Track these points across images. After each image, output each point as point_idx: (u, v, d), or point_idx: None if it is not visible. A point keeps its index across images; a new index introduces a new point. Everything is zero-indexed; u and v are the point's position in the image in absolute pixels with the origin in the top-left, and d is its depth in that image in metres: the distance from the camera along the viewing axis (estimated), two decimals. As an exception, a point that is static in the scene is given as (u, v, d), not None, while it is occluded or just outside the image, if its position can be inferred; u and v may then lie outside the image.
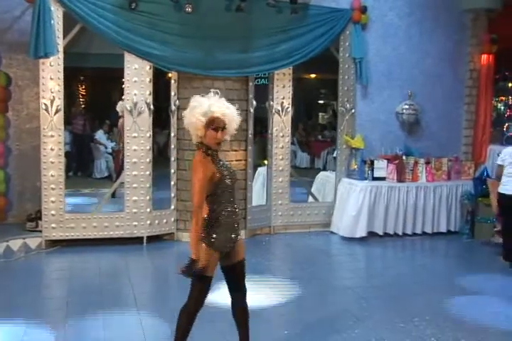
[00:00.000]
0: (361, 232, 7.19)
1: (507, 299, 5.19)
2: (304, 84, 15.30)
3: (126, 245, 6.67)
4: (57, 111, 6.40)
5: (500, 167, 6.34)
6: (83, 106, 14.94)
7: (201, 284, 3.34)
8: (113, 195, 7.61)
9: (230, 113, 3.30)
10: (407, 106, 7.83)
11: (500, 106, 9.31)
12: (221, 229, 3.32)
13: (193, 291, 3.36)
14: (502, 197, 6.27)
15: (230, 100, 7.56)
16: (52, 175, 6.45)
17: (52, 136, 6.42)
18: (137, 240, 6.79)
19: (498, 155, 6.53)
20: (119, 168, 8.60)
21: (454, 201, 7.66)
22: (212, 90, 3.42)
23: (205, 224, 3.31)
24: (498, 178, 6.38)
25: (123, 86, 6.75)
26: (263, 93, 7.56)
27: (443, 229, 7.62)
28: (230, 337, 3.86)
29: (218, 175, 3.27)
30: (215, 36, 6.76)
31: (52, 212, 6.49)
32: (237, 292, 3.51)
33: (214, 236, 3.30)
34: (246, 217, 7.19)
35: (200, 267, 3.23)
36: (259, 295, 4.97)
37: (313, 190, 8.36)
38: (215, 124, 3.24)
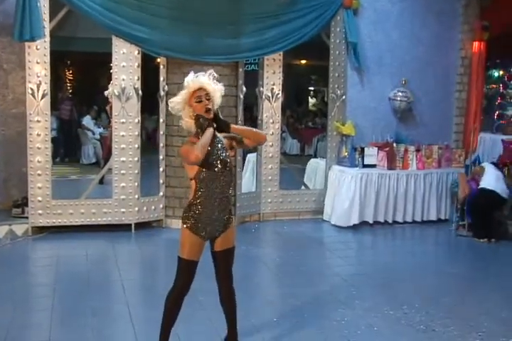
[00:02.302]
0: (352, 220, 7.20)
1: (496, 283, 5.24)
2: (295, 71, 15.25)
3: (114, 232, 6.64)
4: (43, 96, 6.32)
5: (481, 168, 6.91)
6: (70, 91, 14.81)
7: (186, 268, 3.33)
8: (101, 182, 7.56)
9: (208, 83, 3.26)
10: (400, 93, 7.80)
11: (491, 94, 9.34)
12: (201, 213, 3.30)
13: (178, 276, 3.36)
14: (484, 192, 6.73)
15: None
16: (38, 161, 6.38)
17: (38, 122, 6.34)
18: (125, 227, 6.76)
19: None
20: (107, 154, 8.54)
21: (444, 189, 7.69)
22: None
23: (187, 206, 3.34)
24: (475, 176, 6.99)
25: (111, 71, 6.67)
26: (253, 79, 7.51)
27: (433, 217, 7.65)
28: (217, 324, 3.86)
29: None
30: (205, 21, 6.68)
31: (39, 198, 6.43)
32: (224, 279, 3.49)
33: (192, 220, 3.30)
34: (235, 204, 7.17)
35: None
36: (248, 282, 4.97)
37: (304, 178, 8.35)
38: (195, 95, 3.23)
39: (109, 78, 6.70)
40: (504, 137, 8.14)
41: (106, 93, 7.29)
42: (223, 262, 3.46)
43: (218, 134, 3.36)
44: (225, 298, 3.53)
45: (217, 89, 3.30)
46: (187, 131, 3.43)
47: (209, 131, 3.21)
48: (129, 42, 6.55)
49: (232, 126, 3.33)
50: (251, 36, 6.99)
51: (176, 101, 3.28)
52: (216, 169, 3.29)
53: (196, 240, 3.32)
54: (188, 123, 3.31)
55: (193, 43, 6.70)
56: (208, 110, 3.23)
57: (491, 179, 6.85)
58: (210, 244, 3.43)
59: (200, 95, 3.23)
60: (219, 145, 3.34)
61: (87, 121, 12.28)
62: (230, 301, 3.53)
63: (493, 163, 7.21)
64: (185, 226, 3.33)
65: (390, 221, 7.46)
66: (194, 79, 3.26)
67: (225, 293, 3.51)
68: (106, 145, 9.81)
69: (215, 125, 3.27)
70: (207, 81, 3.27)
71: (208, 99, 3.24)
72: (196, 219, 3.31)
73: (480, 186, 6.91)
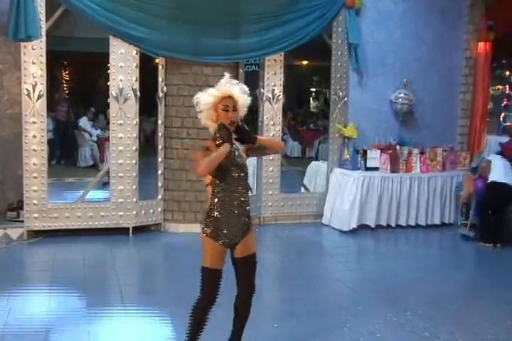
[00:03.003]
0: (354, 224, 7.19)
1: (501, 289, 5.24)
2: (296, 71, 15.27)
3: (111, 236, 6.63)
4: (39, 97, 6.33)
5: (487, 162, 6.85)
6: (67, 92, 14.82)
7: (210, 278, 3.31)
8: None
9: (240, 95, 3.27)
10: (402, 95, 7.79)
11: (497, 95, 9.34)
12: (219, 219, 3.30)
13: (203, 286, 3.33)
14: (496, 186, 6.62)
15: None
16: (34, 164, 6.38)
17: (34, 123, 6.34)
18: (123, 231, 6.75)
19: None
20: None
21: (448, 192, 7.69)
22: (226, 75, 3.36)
23: (205, 213, 3.35)
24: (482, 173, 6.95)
25: (108, 71, 6.67)
26: (253, 80, 7.52)
27: (437, 221, 7.64)
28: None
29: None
30: (204, 21, 6.69)
31: (35, 202, 6.43)
32: (244, 289, 3.45)
33: (211, 227, 3.30)
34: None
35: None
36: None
37: (305, 181, 8.35)
38: (223, 103, 3.23)
39: (107, 79, 6.70)
40: (507, 139, 8.10)
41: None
42: (244, 269, 3.43)
43: (236, 143, 3.35)
44: (241, 308, 3.48)
45: (245, 103, 3.31)
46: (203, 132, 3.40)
47: (225, 148, 3.19)
48: (127, 42, 6.56)
49: (258, 137, 3.36)
50: (251, 36, 7.00)
51: (204, 101, 3.26)
52: (233, 174, 3.29)
53: (217, 247, 3.31)
54: (207, 124, 3.33)
55: (193, 43, 6.72)
56: (232, 123, 3.24)
57: (500, 172, 6.75)
58: (231, 251, 3.42)
59: (228, 105, 3.23)
60: (236, 152, 3.34)
61: (84, 122, 12.28)
62: (243, 312, 3.49)
63: (498, 153, 7.16)
64: (204, 234, 3.33)
65: (393, 225, 7.45)
66: (228, 86, 3.26)
67: (242, 303, 3.47)
68: (103, 147, 9.82)
69: (234, 138, 3.28)
70: (239, 92, 3.27)
71: (235, 111, 3.25)
72: (215, 225, 3.30)
73: (489, 180, 6.80)
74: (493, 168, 6.84)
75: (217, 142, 3.24)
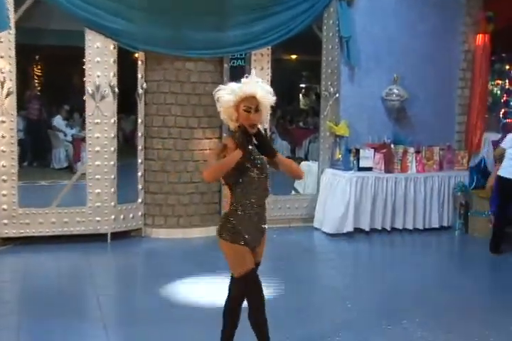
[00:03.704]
0: (347, 228, 7.23)
1: (501, 295, 5.29)
2: (284, 66, 15.28)
3: (88, 243, 6.61)
4: (8, 94, 6.30)
5: (501, 149, 6.63)
6: (39, 88, 14.75)
7: (243, 280, 3.38)
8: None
9: (264, 96, 3.27)
10: (392, 92, 7.84)
11: (497, 91, 9.41)
12: (239, 221, 3.34)
13: (233, 288, 3.48)
14: (501, 180, 6.54)
15: (202, 83, 7.52)
16: (3, 166, 6.35)
17: (3, 122, 6.31)
18: (101, 237, 6.74)
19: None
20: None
21: (446, 193, 7.74)
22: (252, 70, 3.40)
23: (223, 217, 3.41)
24: (497, 160, 6.72)
25: (84, 67, 6.65)
26: (239, 75, 7.51)
27: (435, 224, 7.68)
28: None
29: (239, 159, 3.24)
30: (187, 13, 6.71)
31: (4, 207, 6.40)
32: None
33: (231, 230, 3.34)
34: (220, 211, 7.18)
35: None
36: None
37: (294, 182, 8.37)
38: (245, 104, 3.23)
39: (82, 75, 6.68)
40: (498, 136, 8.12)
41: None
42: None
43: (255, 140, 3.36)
44: (254, 311, 3.49)
45: (269, 104, 3.32)
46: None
47: (236, 154, 3.20)
48: (104, 35, 6.55)
49: (279, 156, 3.37)
50: (237, 29, 7.02)
51: (225, 99, 3.26)
52: (252, 174, 3.31)
53: (241, 248, 3.34)
54: (226, 121, 3.36)
55: (174, 37, 6.72)
56: (253, 126, 3.25)
57: (506, 163, 6.52)
58: None
59: (251, 106, 3.23)
60: (255, 151, 3.34)
61: (58, 121, 12.24)
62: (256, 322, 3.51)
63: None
64: (223, 240, 3.36)
65: (389, 228, 7.49)
66: (252, 85, 3.26)
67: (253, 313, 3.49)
68: (79, 147, 9.79)
69: (250, 146, 3.29)
70: (263, 92, 3.27)
71: (257, 111, 3.25)
72: (235, 228, 3.34)
73: (497, 173, 6.66)
74: (505, 156, 6.55)
75: (238, 137, 3.26)
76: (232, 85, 3.30)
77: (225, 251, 3.39)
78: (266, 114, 3.37)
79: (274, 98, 3.35)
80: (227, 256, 3.39)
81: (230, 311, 3.53)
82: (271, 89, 3.34)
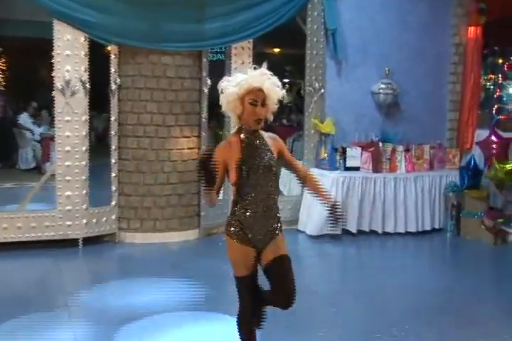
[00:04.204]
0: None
1: (495, 300, 5.37)
2: (266, 60, 15.32)
3: (58, 249, 6.59)
4: (-28, 91, 6.27)
5: None
6: (3, 83, 14.63)
7: (244, 285, 3.40)
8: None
9: (272, 89, 3.26)
10: (383, 86, 7.94)
11: (490, 86, 9.52)
12: (245, 220, 3.34)
13: (240, 295, 3.44)
14: None
15: (180, 78, 7.51)
16: (-33, 167, 6.32)
17: (-33, 120, 6.29)
18: (72, 242, 6.72)
19: None
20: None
21: (437, 194, 7.80)
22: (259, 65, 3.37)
23: (229, 215, 3.41)
24: None
25: (52, 60, 6.64)
26: (219, 70, 7.56)
27: (427, 226, 7.73)
28: None
29: (235, 164, 3.25)
30: (163, 3, 6.71)
31: (-32, 211, 6.37)
32: (279, 298, 3.46)
33: (237, 228, 3.36)
34: (199, 214, 7.21)
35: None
36: (214, 303, 5.03)
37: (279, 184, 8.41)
38: (251, 97, 3.22)
39: (51, 69, 6.66)
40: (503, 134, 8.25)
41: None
42: (280, 271, 3.39)
43: (264, 135, 3.39)
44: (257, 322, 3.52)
45: (276, 98, 3.31)
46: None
47: (207, 197, 3.25)
48: (74, 27, 6.53)
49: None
50: (216, 21, 7.03)
51: (229, 91, 3.24)
52: (258, 172, 3.30)
53: (245, 250, 3.35)
54: (230, 115, 3.37)
55: (150, 29, 6.72)
56: (259, 120, 3.26)
57: None
58: (259, 260, 3.43)
59: (257, 99, 3.22)
60: (262, 146, 3.34)
61: (25, 119, 12.17)
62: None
63: None
64: (229, 237, 3.38)
65: (380, 231, 7.55)
66: (259, 77, 3.24)
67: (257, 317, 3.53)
68: (47, 147, 9.75)
69: (258, 141, 3.33)
70: (271, 85, 3.25)
71: (264, 106, 3.24)
72: (241, 226, 3.35)
73: None
74: None
75: (241, 137, 3.29)
76: (238, 76, 3.29)
77: (228, 251, 3.41)
78: (273, 109, 3.34)
79: (283, 92, 3.34)
80: (230, 256, 3.41)
81: (245, 322, 3.49)
82: (279, 83, 3.33)
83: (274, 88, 3.27)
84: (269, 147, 3.37)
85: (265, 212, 3.35)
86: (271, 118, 3.35)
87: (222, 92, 3.29)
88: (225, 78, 3.35)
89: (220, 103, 3.33)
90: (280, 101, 3.36)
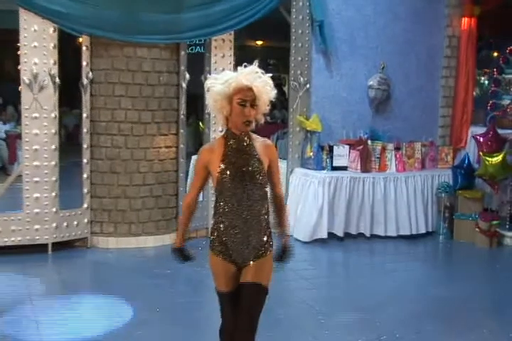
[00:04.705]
0: (320, 234, 7.31)
1: (488, 306, 5.43)
2: (249, 54, 15.28)
3: (25, 255, 6.56)
4: None
5: None
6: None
7: (224, 300, 3.38)
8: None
9: (262, 90, 3.19)
10: (379, 80, 7.97)
11: (484, 80, 9.59)
12: (224, 234, 3.29)
13: (221, 309, 3.42)
14: None
15: (156, 72, 7.49)
16: None
17: None
18: (40, 248, 6.69)
19: None
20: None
21: (429, 194, 7.86)
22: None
23: (211, 226, 3.40)
24: None
25: (18, 52, 6.60)
26: (198, 64, 7.56)
27: (422, 229, 7.77)
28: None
29: (216, 170, 3.22)
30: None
31: None
32: (242, 326, 3.31)
33: (216, 243, 3.32)
34: (177, 217, 7.21)
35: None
36: (194, 312, 5.04)
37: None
38: (240, 96, 3.16)
39: (17, 62, 6.62)
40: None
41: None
42: (247, 300, 3.31)
43: (256, 140, 3.35)
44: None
45: (268, 99, 3.24)
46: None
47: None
48: (42, 16, 6.50)
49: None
50: (195, 11, 7.03)
51: (217, 90, 3.18)
52: (245, 179, 3.23)
53: (225, 266, 3.31)
54: (216, 115, 3.33)
55: (124, 19, 6.70)
56: (247, 124, 3.22)
57: None
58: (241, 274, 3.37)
59: (246, 99, 3.15)
60: (251, 152, 3.28)
61: (-12, 116, 12.09)
62: None
63: None
64: (209, 249, 3.36)
65: (368, 234, 7.58)
66: (249, 76, 3.17)
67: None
68: (14, 146, 9.68)
69: (245, 143, 3.29)
70: (261, 85, 3.18)
71: (253, 106, 3.18)
72: (220, 241, 3.30)
73: None
74: None
75: (226, 140, 3.27)
76: (227, 74, 3.24)
77: (209, 263, 3.38)
78: (264, 111, 3.27)
79: (275, 92, 3.27)
80: (210, 267, 3.39)
81: (227, 337, 3.39)
82: (271, 82, 3.26)
83: (265, 88, 3.20)
84: (256, 153, 3.29)
85: (246, 224, 3.25)
86: (261, 120, 3.30)
87: (208, 91, 3.24)
88: (212, 76, 3.32)
89: (206, 102, 3.29)
90: (271, 102, 3.29)
